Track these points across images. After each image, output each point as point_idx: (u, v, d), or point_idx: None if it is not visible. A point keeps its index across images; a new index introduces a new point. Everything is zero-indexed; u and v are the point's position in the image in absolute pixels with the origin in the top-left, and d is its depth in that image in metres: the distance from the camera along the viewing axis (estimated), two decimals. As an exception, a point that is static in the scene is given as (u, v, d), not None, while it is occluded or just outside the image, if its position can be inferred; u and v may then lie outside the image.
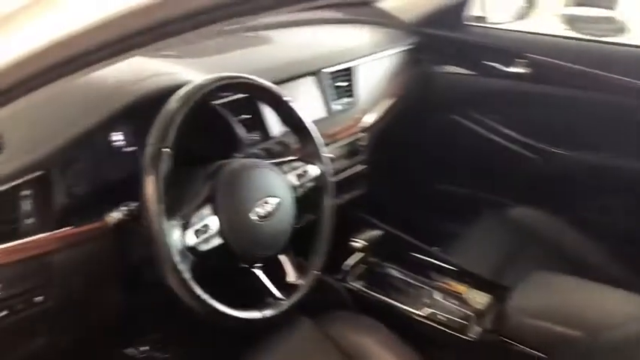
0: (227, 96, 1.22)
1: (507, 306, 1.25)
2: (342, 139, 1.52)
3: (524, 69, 1.77)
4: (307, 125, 1.16)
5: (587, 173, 1.77)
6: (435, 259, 1.51)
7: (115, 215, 0.98)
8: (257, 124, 1.30)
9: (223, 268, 1.08)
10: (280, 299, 1.07)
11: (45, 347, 1.12)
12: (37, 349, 1.11)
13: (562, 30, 1.77)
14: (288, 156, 1.18)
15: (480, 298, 1.40)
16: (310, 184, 1.16)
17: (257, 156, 1.19)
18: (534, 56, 1.75)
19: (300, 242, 1.16)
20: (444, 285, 1.44)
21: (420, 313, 1.37)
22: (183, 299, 0.93)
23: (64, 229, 0.97)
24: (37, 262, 0.95)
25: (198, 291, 0.93)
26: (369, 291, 1.45)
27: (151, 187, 0.90)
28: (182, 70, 1.20)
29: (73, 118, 1.00)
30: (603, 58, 1.67)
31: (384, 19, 1.90)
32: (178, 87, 1.01)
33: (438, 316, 1.35)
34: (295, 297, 1.09)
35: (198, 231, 0.95)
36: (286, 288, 1.10)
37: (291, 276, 1.12)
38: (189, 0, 0.61)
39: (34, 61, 0.62)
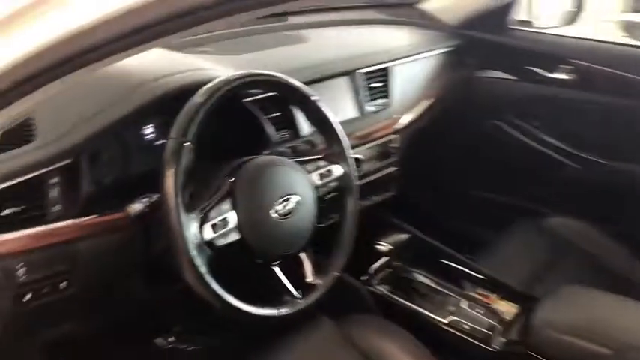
0: (258, 94, 1.22)
1: (534, 318, 1.22)
2: (374, 141, 1.50)
3: (569, 75, 1.72)
4: (334, 125, 1.16)
5: (629, 184, 1.70)
6: (464, 267, 1.49)
7: (136, 206, 1.00)
8: (288, 122, 1.30)
9: (240, 264, 1.09)
10: (297, 298, 1.07)
11: (70, 333, 1.15)
12: (62, 334, 1.14)
13: (617, 37, 1.71)
14: (314, 155, 1.17)
15: (507, 309, 1.37)
16: (333, 184, 1.16)
17: (283, 154, 1.18)
18: (579, 62, 1.70)
19: (323, 242, 1.16)
20: (471, 293, 1.42)
21: (444, 321, 1.35)
22: (199, 293, 0.93)
23: (88, 218, 0.99)
24: (62, 248, 0.97)
25: (214, 285, 0.94)
26: (393, 295, 1.44)
27: (170, 180, 0.91)
28: (214, 66, 1.21)
29: (102, 109, 1.02)
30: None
31: (425, 21, 1.88)
32: (207, 82, 1.02)
33: (463, 325, 1.33)
34: (313, 296, 1.09)
35: (215, 225, 0.96)
36: (305, 287, 1.10)
37: (310, 275, 1.12)
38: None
39: (58, 48, 0.63)
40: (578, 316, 1.19)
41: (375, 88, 1.53)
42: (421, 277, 1.48)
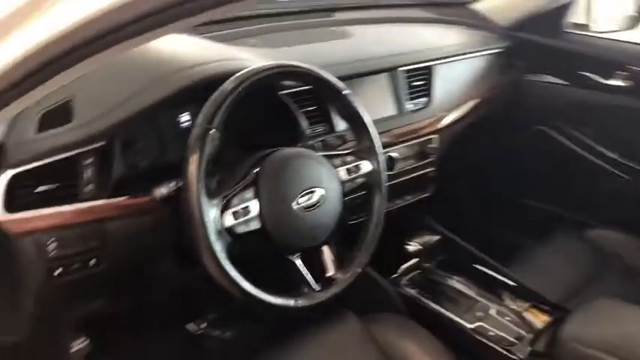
0: (294, 86, 1.23)
1: (561, 330, 1.18)
2: (412, 140, 1.49)
3: (624, 82, 1.65)
4: (364, 120, 1.15)
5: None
6: (496, 273, 1.45)
7: (162, 190, 1.02)
8: (323, 117, 1.30)
9: (260, 253, 1.10)
10: (316, 291, 1.07)
11: (100, 311, 1.20)
12: (93, 311, 1.18)
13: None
14: (344, 150, 1.17)
15: (538, 319, 1.33)
16: (361, 180, 1.15)
17: (313, 148, 1.18)
18: (637, 69, 1.62)
19: (349, 238, 1.16)
20: (501, 300, 1.39)
21: (470, 326, 1.33)
22: (216, 278, 0.95)
23: (119, 199, 1.03)
24: (92, 227, 1.01)
25: (232, 272, 0.95)
26: (420, 296, 1.43)
27: (193, 165, 0.93)
28: (251, 57, 1.22)
29: (137, 93, 1.05)
30: None
31: (476, 21, 1.84)
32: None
33: (488, 332, 1.30)
34: (332, 291, 1.08)
35: (236, 213, 0.97)
36: (324, 281, 1.10)
37: (331, 270, 1.12)
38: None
39: (86, 27, 0.66)
40: (608, 330, 1.14)
41: (416, 86, 1.51)
42: (450, 281, 1.46)
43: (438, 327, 1.27)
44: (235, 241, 0.97)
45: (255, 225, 0.99)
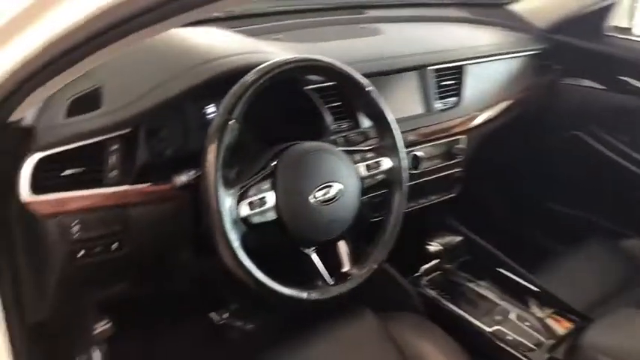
0: (320, 81, 1.24)
1: (582, 338, 1.16)
2: (440, 139, 1.48)
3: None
4: (387, 117, 1.14)
5: None
6: (519, 277, 1.43)
7: (182, 178, 1.04)
8: (349, 113, 1.30)
9: (275, 245, 1.10)
10: (330, 285, 1.07)
11: (122, 295, 1.23)
12: (114, 295, 1.21)
13: None
14: (365, 146, 1.17)
15: (559, 326, 1.31)
16: (380, 177, 1.14)
17: (335, 143, 1.19)
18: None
19: (367, 234, 1.16)
20: (523, 305, 1.37)
21: (488, 329, 1.31)
22: (230, 267, 0.96)
23: (142, 186, 1.05)
24: (115, 212, 1.03)
25: (246, 261, 0.96)
26: (439, 297, 1.41)
27: (211, 155, 0.94)
28: (276, 51, 1.23)
29: (164, 83, 1.07)
30: None
31: (513, 22, 1.81)
32: None
33: (507, 336, 1.28)
34: (346, 286, 1.08)
35: (252, 203, 0.98)
36: (339, 276, 1.10)
37: (346, 265, 1.12)
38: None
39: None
40: (629, 340, 1.11)
41: (446, 85, 1.50)
42: (471, 283, 1.44)
43: (456, 328, 1.26)
44: (251, 231, 0.98)
45: (270, 216, 1.00)
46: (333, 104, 1.27)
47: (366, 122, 1.30)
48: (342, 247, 1.12)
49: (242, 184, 0.99)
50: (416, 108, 1.44)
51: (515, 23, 1.81)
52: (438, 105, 1.48)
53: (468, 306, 1.38)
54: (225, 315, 1.64)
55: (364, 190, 1.13)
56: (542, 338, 1.27)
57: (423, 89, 1.45)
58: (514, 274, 1.46)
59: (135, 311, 1.36)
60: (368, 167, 1.13)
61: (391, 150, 1.15)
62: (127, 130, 1.02)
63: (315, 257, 1.07)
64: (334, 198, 1.04)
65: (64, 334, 1.24)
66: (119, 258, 1.06)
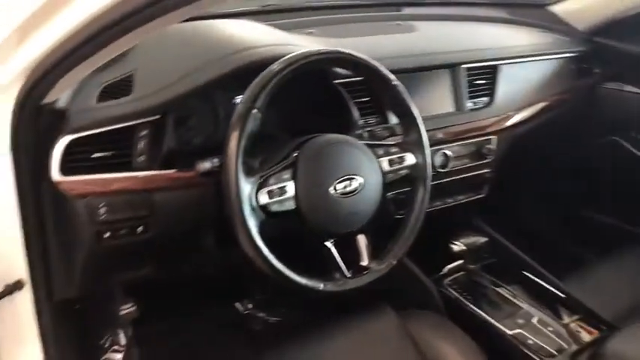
0: (350, 76, 1.24)
1: (605, 346, 1.13)
2: (470, 139, 1.46)
3: None
4: (413, 112, 1.13)
5: None
6: (544, 281, 1.40)
7: (205, 164, 1.06)
8: (377, 108, 1.30)
9: (293, 234, 1.11)
10: (347, 277, 1.07)
11: (147, 278, 1.25)
12: (139, 278, 1.24)
13: None
14: (389, 141, 1.17)
15: (584, 334, 1.28)
16: (403, 172, 1.14)
17: (360, 137, 1.18)
18: None
19: (389, 230, 1.16)
20: (547, 311, 1.34)
21: (509, 332, 1.29)
22: (248, 253, 0.97)
23: (168, 171, 1.07)
24: (142, 196, 1.05)
25: (263, 248, 0.97)
26: (461, 298, 1.40)
27: (233, 143, 0.96)
28: (305, 43, 1.24)
29: (194, 71, 1.08)
30: None
31: (553, 23, 1.78)
32: None
33: (528, 340, 1.26)
34: (364, 279, 1.08)
35: (272, 192, 0.99)
36: (357, 269, 1.10)
37: (365, 259, 1.12)
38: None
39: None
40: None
41: (478, 84, 1.48)
42: (495, 285, 1.43)
43: (477, 330, 1.24)
44: (270, 219, 0.99)
45: (289, 205, 1.01)
46: (362, 99, 1.27)
47: (394, 119, 1.29)
48: (362, 240, 1.12)
49: (263, 172, 1.00)
50: (446, 106, 1.43)
51: (555, 24, 1.78)
52: (469, 104, 1.46)
53: (489, 308, 1.36)
54: (250, 306, 1.66)
55: (387, 186, 1.12)
56: (564, 344, 1.25)
57: (455, 87, 1.43)
58: (540, 278, 1.43)
59: (160, 296, 1.39)
60: (391, 162, 1.12)
61: (416, 146, 1.15)
62: (157, 117, 1.04)
63: (333, 249, 1.08)
64: (355, 191, 1.04)
65: (90, 313, 1.28)
66: (144, 241, 1.09)
